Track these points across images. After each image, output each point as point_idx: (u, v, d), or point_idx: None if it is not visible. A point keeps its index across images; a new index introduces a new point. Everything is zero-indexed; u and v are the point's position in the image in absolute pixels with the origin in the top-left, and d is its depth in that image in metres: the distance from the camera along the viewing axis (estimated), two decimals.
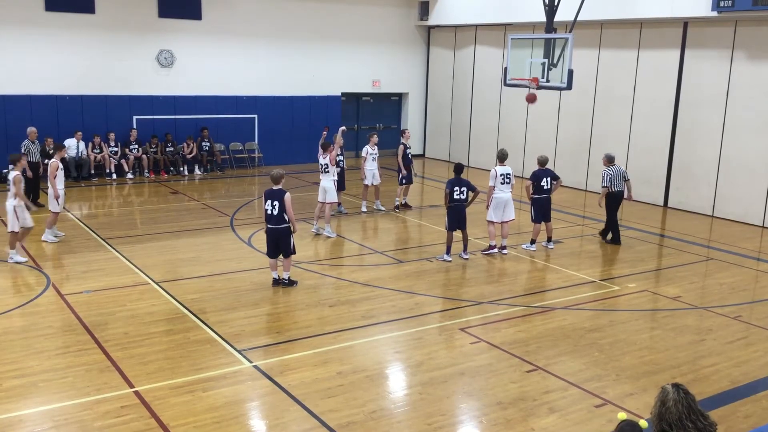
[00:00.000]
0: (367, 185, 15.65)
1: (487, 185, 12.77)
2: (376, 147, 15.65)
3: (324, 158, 13.65)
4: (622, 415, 4.13)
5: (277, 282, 10.34)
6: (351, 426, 6.52)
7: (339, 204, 15.45)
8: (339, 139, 14.25)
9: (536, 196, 12.73)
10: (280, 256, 10.40)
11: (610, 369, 7.95)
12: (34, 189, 15.07)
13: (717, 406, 6.96)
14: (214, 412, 6.69)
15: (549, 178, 12.82)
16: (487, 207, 12.63)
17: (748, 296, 10.85)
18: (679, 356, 8.39)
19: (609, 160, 13.53)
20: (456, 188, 11.90)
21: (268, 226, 10.14)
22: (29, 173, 14.65)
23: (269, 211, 10.02)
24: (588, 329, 9.14)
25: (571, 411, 6.93)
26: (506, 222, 12.62)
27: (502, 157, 12.66)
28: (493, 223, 12.59)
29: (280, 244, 10.16)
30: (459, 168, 12.24)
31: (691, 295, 10.67)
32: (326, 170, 13.59)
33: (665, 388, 4.13)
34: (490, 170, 12.96)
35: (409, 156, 16.02)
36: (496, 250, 12.53)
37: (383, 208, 15.90)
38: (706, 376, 7.82)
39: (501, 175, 12.42)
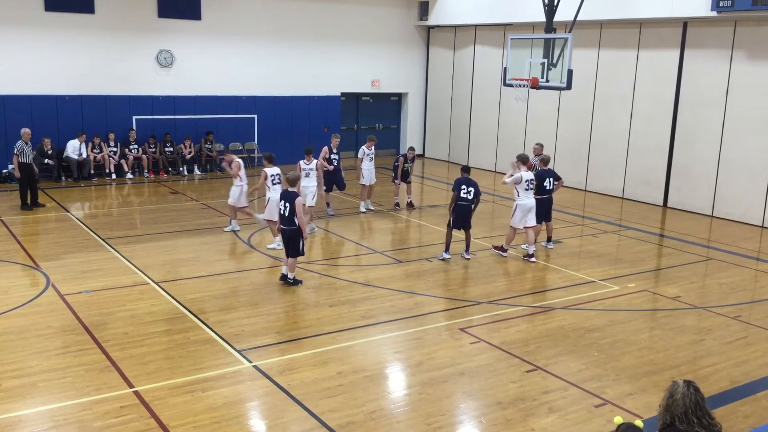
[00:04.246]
0: (364, 185, 15.66)
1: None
2: (373, 148, 15.70)
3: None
4: (618, 419, 4.14)
5: (285, 277, 10.45)
6: (351, 426, 6.52)
7: (327, 204, 15.43)
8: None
9: (538, 197, 12.70)
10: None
11: (609, 369, 7.95)
12: (32, 189, 15.06)
13: (717, 406, 6.95)
14: (214, 412, 6.69)
15: (551, 179, 12.82)
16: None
17: (747, 296, 10.86)
18: (678, 356, 8.40)
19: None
20: (463, 186, 11.91)
21: (281, 226, 10.33)
22: (18, 174, 14.73)
23: (281, 212, 10.21)
24: (588, 329, 9.14)
25: (570, 411, 6.93)
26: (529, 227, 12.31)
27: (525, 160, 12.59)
28: (514, 229, 12.37)
29: (289, 243, 10.29)
30: (467, 168, 12.31)
31: (691, 295, 10.67)
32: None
33: (676, 382, 4.17)
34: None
35: (407, 169, 15.93)
36: (505, 254, 12.36)
37: (372, 208, 15.88)
38: (705, 376, 7.82)
39: (527, 181, 12.17)
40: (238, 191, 13.36)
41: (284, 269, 10.51)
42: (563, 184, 13.73)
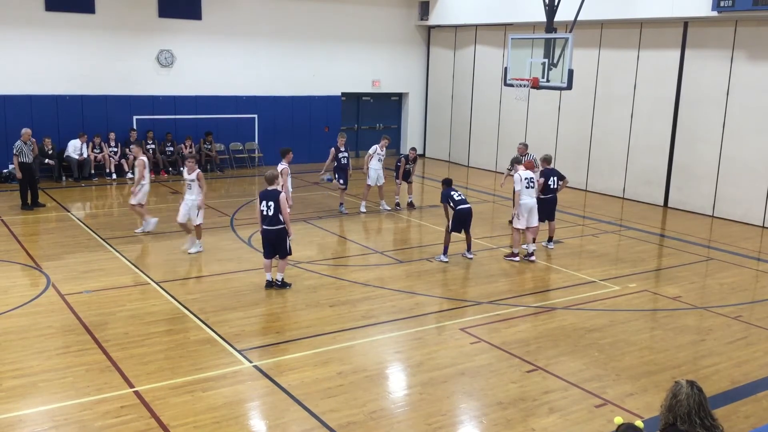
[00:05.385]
0: (369, 185, 15.67)
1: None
2: (384, 149, 15.75)
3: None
4: (618, 420, 4.14)
5: (271, 284, 10.29)
6: (351, 426, 6.52)
7: (341, 204, 15.52)
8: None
9: (543, 196, 12.70)
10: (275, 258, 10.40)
11: (610, 369, 7.95)
12: (32, 189, 15.06)
13: (717, 406, 6.93)
14: (214, 412, 6.69)
15: (555, 178, 12.82)
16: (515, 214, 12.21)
17: (748, 296, 10.85)
18: (679, 356, 8.39)
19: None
20: (453, 192, 11.97)
21: (264, 227, 10.11)
22: (19, 175, 14.69)
23: (265, 212, 10.00)
24: (588, 329, 9.13)
25: (571, 411, 6.93)
26: (531, 228, 12.21)
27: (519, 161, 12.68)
28: (519, 230, 12.17)
29: (275, 244, 10.14)
30: (449, 181, 12.33)
31: (692, 295, 10.67)
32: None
33: (679, 382, 4.16)
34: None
35: (408, 169, 16.00)
36: (518, 258, 12.16)
37: (388, 208, 15.92)
38: (706, 376, 7.81)
39: (525, 179, 12.08)
40: (139, 189, 13.03)
41: (269, 275, 10.30)
42: (567, 183, 13.71)
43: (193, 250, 12.03)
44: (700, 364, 8.21)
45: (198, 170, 12.03)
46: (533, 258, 12.15)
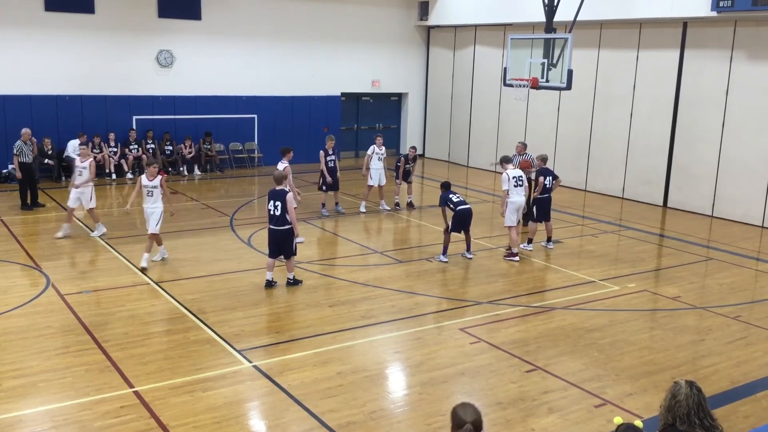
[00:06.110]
0: (371, 186, 15.64)
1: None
2: (383, 147, 15.74)
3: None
4: (618, 420, 4.14)
5: (271, 284, 10.30)
6: (351, 426, 6.52)
7: (337, 204, 15.50)
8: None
9: (539, 196, 12.74)
10: (278, 258, 10.44)
11: (609, 369, 7.96)
12: (32, 189, 15.06)
13: (717, 406, 6.93)
14: (214, 413, 6.69)
15: (550, 177, 12.85)
16: (503, 214, 12.25)
17: (747, 296, 10.86)
18: (678, 356, 8.40)
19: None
20: (451, 195, 12.00)
21: (271, 226, 10.17)
22: (19, 175, 14.66)
23: (272, 212, 10.07)
24: (588, 329, 9.14)
25: (570, 411, 6.93)
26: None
27: (508, 160, 12.69)
28: (512, 228, 12.18)
29: (281, 245, 10.18)
30: (447, 184, 12.39)
31: (691, 295, 10.67)
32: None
33: (678, 382, 4.16)
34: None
35: (408, 169, 15.99)
36: (517, 258, 12.16)
37: (388, 208, 15.91)
38: (705, 376, 7.82)
39: (513, 178, 12.14)
40: (89, 192, 12.80)
41: (269, 275, 10.32)
42: (561, 183, 13.74)
43: (157, 257, 11.51)
44: (700, 364, 8.22)
45: (160, 176, 11.41)
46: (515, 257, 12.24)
